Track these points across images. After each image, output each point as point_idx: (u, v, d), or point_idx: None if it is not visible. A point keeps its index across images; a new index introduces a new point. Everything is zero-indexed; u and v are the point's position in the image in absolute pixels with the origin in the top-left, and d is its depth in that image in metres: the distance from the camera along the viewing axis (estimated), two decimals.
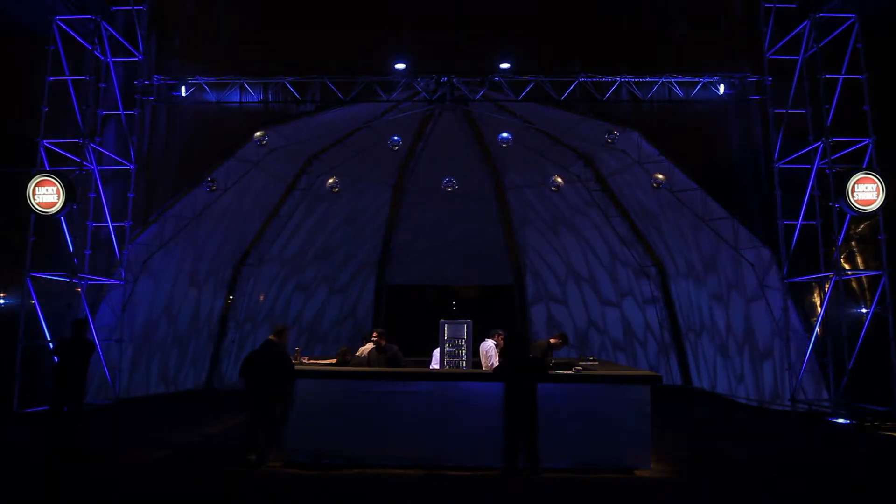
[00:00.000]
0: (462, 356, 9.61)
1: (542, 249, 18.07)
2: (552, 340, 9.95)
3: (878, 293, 10.31)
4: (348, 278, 18.39)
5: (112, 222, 11.75)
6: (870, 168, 10.30)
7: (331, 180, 13.52)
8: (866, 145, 10.67)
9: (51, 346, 10.57)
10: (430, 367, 10.40)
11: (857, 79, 10.75)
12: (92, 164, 11.37)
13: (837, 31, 11.04)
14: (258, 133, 12.26)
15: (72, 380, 8.49)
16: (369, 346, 10.89)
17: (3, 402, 10.27)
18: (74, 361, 8.56)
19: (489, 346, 10.11)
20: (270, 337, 8.40)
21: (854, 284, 11.87)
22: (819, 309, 11.49)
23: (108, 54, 11.78)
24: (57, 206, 10.10)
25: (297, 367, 8.76)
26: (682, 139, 12.55)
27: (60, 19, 11.04)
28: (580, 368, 8.97)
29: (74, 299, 11.02)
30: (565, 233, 17.30)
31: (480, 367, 10.00)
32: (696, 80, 12.19)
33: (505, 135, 12.60)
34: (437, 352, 10.46)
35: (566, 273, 17.85)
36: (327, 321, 17.86)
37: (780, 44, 11.85)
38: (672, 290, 15.55)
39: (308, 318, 17.62)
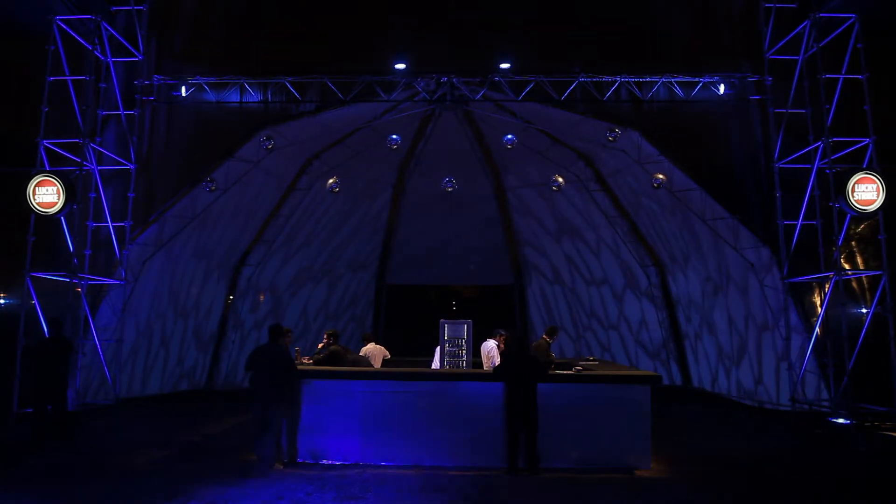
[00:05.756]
0: (462, 356, 9.63)
1: (542, 249, 18.07)
2: (546, 337, 10.05)
3: (878, 293, 10.30)
4: (348, 278, 18.39)
5: (112, 222, 11.74)
6: (870, 168, 10.29)
7: (330, 181, 13.52)
8: (866, 145, 10.66)
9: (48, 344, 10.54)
10: (434, 367, 10.43)
11: (858, 79, 10.73)
12: (92, 164, 11.36)
13: (837, 31, 11.02)
14: (264, 137, 12.29)
15: (52, 379, 8.47)
16: (370, 346, 10.93)
17: (3, 401, 10.26)
18: (53, 360, 8.54)
19: (490, 347, 10.14)
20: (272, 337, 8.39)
21: (854, 284, 11.86)
22: (819, 309, 11.49)
23: (109, 54, 11.77)
24: (57, 206, 10.09)
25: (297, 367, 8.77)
26: (682, 139, 12.53)
27: (60, 19, 11.02)
28: (580, 368, 8.99)
29: (74, 299, 11.02)
30: (565, 233, 17.30)
31: (481, 367, 10.02)
32: (696, 80, 12.18)
33: (509, 136, 12.62)
34: (438, 349, 10.47)
35: (566, 273, 17.85)
36: (327, 321, 17.83)
37: (781, 44, 11.84)
38: (672, 289, 15.56)
39: (308, 318, 17.61)
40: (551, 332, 10.48)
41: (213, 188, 12.35)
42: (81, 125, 11.02)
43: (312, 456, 8.09)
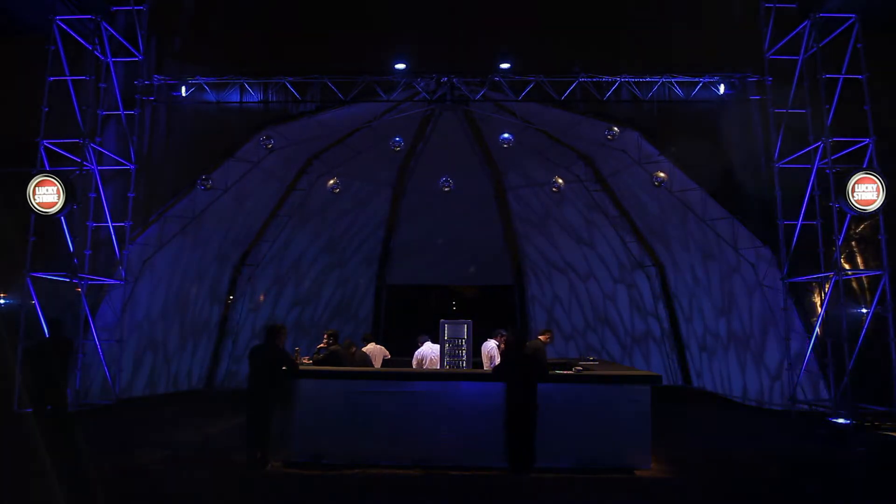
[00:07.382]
0: (462, 356, 9.62)
1: (542, 249, 18.07)
2: (543, 338, 10.03)
3: (878, 293, 10.30)
4: (348, 278, 18.39)
5: (112, 222, 11.75)
6: (870, 168, 10.29)
7: (331, 181, 13.52)
8: (866, 145, 10.66)
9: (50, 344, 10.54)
10: (418, 357, 10.35)
11: (858, 79, 10.73)
12: (92, 164, 11.36)
13: (837, 31, 11.02)
14: (263, 137, 12.29)
15: (52, 379, 8.46)
16: (370, 346, 10.92)
17: (3, 402, 10.26)
18: (53, 361, 8.53)
19: (491, 347, 10.14)
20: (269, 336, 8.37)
21: (854, 284, 11.85)
22: (819, 309, 11.49)
23: (109, 54, 11.78)
24: (57, 206, 10.09)
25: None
26: (682, 139, 12.54)
27: (60, 19, 11.02)
28: (580, 368, 8.99)
29: (74, 299, 11.02)
30: (565, 232, 17.30)
31: (481, 367, 10.01)
32: (696, 80, 12.18)
33: (506, 135, 12.61)
34: (424, 348, 10.40)
35: (566, 273, 17.85)
36: (327, 321, 17.85)
37: (781, 44, 11.83)
38: (672, 289, 15.55)
39: (308, 318, 17.62)
40: (547, 335, 10.45)
41: (209, 186, 12.31)
42: (81, 125, 11.03)
43: (312, 456, 8.08)
